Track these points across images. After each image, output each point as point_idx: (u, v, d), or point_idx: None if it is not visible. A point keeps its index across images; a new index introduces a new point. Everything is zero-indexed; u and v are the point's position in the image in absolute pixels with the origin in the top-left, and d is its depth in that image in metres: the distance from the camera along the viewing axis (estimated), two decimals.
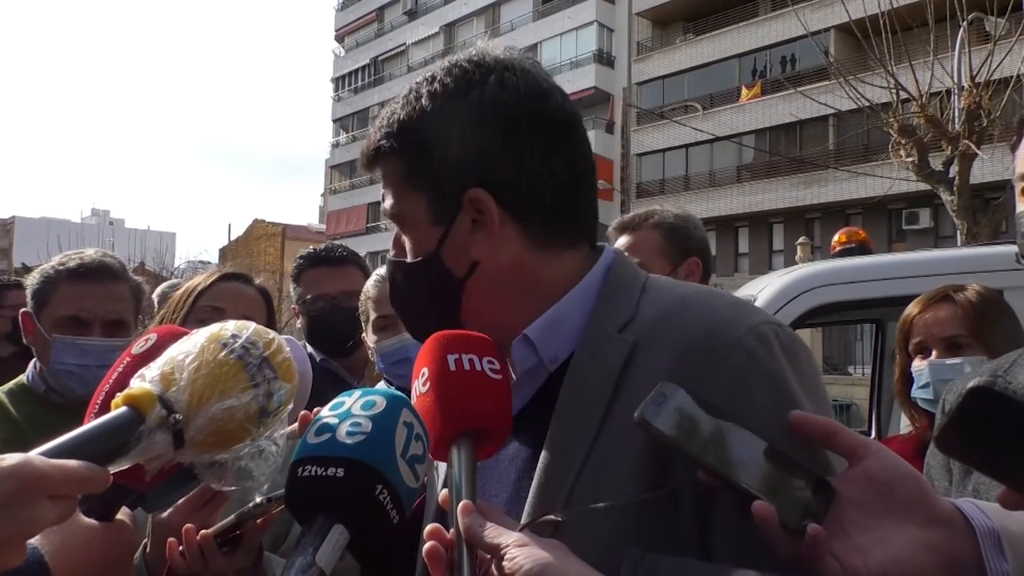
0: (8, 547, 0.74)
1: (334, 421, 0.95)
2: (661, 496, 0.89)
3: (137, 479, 0.95)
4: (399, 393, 0.98)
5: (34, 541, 0.81)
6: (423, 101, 1.05)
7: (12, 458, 0.74)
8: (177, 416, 0.87)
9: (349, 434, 0.91)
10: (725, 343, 0.92)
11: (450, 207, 1.04)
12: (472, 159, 1.02)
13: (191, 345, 0.93)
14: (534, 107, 1.04)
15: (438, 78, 1.06)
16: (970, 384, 0.78)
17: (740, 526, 0.85)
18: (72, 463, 0.77)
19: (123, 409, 0.86)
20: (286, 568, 0.85)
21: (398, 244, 1.13)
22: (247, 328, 0.96)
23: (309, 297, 2.74)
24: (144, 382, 0.89)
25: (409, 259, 1.09)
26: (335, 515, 0.89)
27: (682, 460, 0.87)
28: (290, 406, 0.98)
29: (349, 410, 0.95)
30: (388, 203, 1.10)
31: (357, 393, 1.00)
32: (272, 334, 0.98)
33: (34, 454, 0.77)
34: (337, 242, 2.99)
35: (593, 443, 0.93)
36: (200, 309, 2.00)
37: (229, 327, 0.96)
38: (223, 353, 0.92)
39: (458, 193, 1.03)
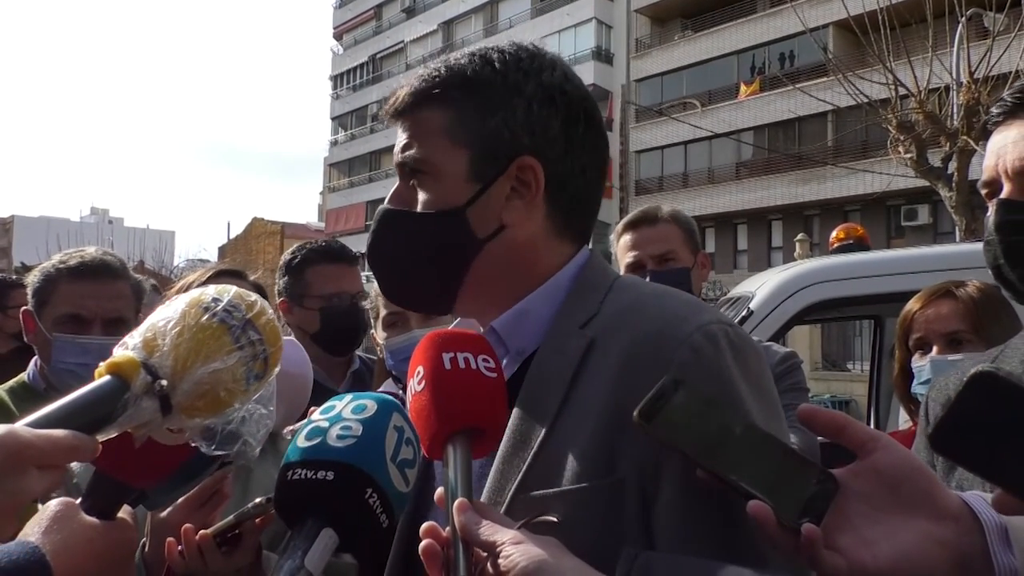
0: None
1: (325, 425, 0.94)
2: (606, 485, 0.92)
3: (139, 477, 0.95)
4: (390, 397, 0.98)
5: (35, 540, 0.81)
6: (495, 65, 1.09)
7: None
8: (162, 382, 0.86)
9: (339, 438, 0.92)
10: (673, 340, 0.95)
11: (494, 168, 1.07)
12: (531, 131, 1.07)
13: (172, 311, 0.91)
14: (589, 107, 1.13)
15: (508, 51, 1.11)
16: (972, 371, 0.77)
17: (680, 516, 0.89)
18: (58, 432, 0.77)
19: (107, 378, 0.85)
20: (274, 571, 0.85)
21: (401, 198, 1.11)
22: (228, 291, 0.95)
23: (328, 294, 2.67)
24: (127, 349, 0.88)
25: (420, 210, 1.08)
26: (324, 519, 0.88)
27: (629, 449, 0.91)
28: (277, 368, 0.96)
29: (340, 414, 0.95)
30: (414, 151, 1.08)
31: (348, 397, 1.00)
32: (254, 296, 0.96)
33: (19, 425, 0.76)
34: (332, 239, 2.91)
35: (547, 434, 0.96)
36: None
37: (210, 291, 0.95)
38: (205, 317, 0.90)
39: (508, 157, 1.07)
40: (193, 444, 0.93)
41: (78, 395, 0.84)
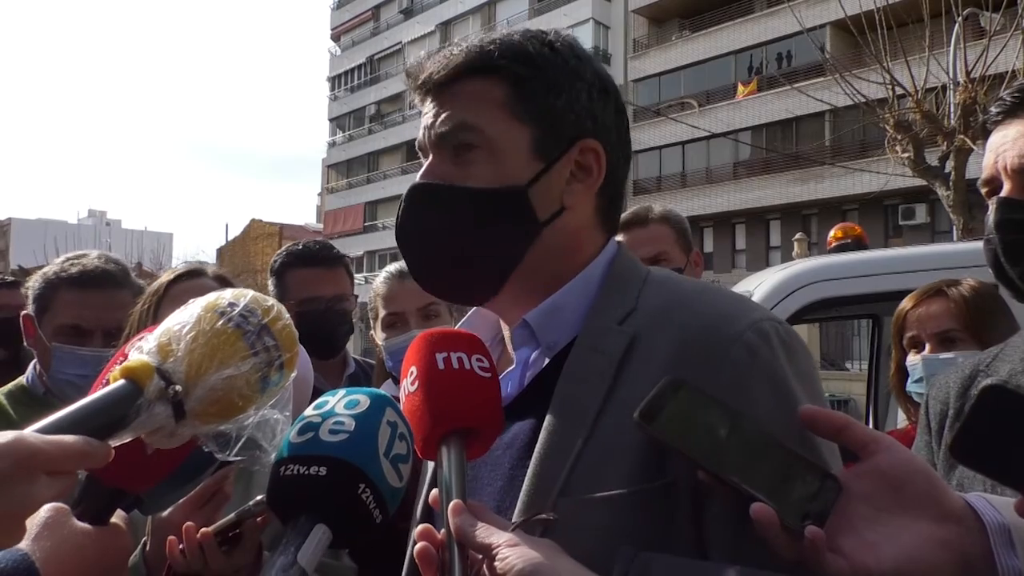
0: (6, 525, 0.74)
1: (317, 420, 0.94)
2: (655, 488, 0.89)
3: (133, 482, 0.94)
4: (383, 392, 0.98)
5: (25, 546, 0.80)
6: (555, 47, 1.08)
7: (5, 436, 0.74)
8: (176, 387, 0.85)
9: (332, 433, 0.91)
10: (726, 338, 0.92)
11: (557, 147, 1.04)
12: (593, 116, 1.07)
13: (187, 315, 0.90)
14: (623, 101, 1.13)
15: (560, 38, 1.10)
16: (982, 385, 0.78)
17: (734, 519, 0.85)
18: (69, 438, 0.77)
19: (121, 382, 0.85)
20: (267, 567, 0.84)
21: (436, 173, 1.05)
22: (244, 296, 0.94)
23: (301, 299, 2.64)
24: (141, 354, 0.87)
25: (476, 185, 1.02)
26: (317, 514, 0.88)
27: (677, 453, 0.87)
28: (294, 374, 0.95)
29: (332, 409, 0.94)
30: (467, 122, 1.02)
31: (341, 392, 0.99)
32: (271, 301, 0.96)
33: (28, 431, 0.76)
34: (321, 239, 2.85)
35: (589, 435, 0.93)
36: (165, 314, 1.98)
37: (226, 296, 0.94)
38: (220, 322, 0.89)
39: (571, 138, 1.05)
40: (207, 450, 0.92)
41: (90, 400, 0.83)
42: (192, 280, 2.01)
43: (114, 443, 0.82)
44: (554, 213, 1.03)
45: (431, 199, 1.04)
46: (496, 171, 1.02)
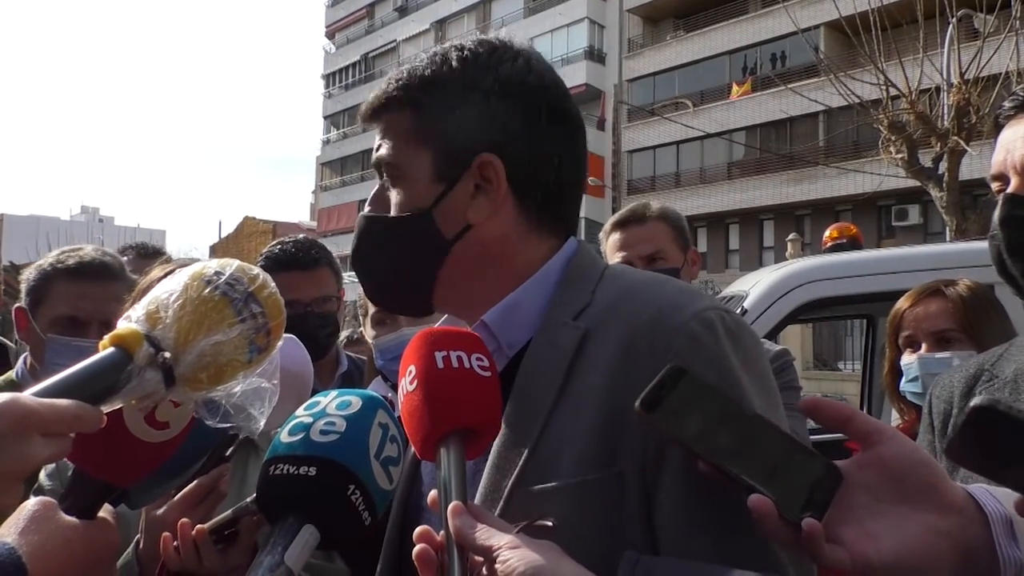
0: (3, 484, 0.75)
1: (308, 420, 0.94)
2: (607, 476, 0.91)
3: (119, 476, 0.93)
4: (375, 394, 0.97)
5: (11, 540, 0.79)
6: (452, 63, 1.08)
7: (1, 397, 0.75)
8: (165, 354, 0.86)
9: (323, 433, 0.91)
10: (670, 328, 0.94)
11: (456, 167, 1.06)
12: (490, 126, 1.06)
13: (174, 284, 0.91)
14: (554, 97, 1.10)
15: (467, 47, 1.10)
16: (973, 403, 0.78)
17: (684, 502, 0.88)
18: (63, 401, 0.78)
19: (111, 349, 0.86)
20: (253, 567, 0.84)
21: (380, 201, 1.12)
22: (230, 265, 0.95)
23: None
24: (130, 322, 0.88)
25: (393, 213, 1.09)
26: (306, 515, 0.88)
27: (629, 441, 0.90)
28: (280, 341, 0.96)
29: (324, 410, 0.94)
30: (385, 153, 1.10)
31: (333, 393, 0.99)
32: (256, 270, 0.97)
33: (24, 393, 0.77)
34: (302, 238, 2.76)
35: (544, 427, 0.95)
36: None
37: (212, 265, 0.95)
38: (207, 290, 0.90)
39: (468, 155, 1.06)
40: (197, 416, 0.93)
41: (82, 367, 0.84)
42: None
43: (106, 409, 0.83)
44: (461, 231, 1.07)
45: (366, 228, 1.13)
46: (407, 198, 1.08)
